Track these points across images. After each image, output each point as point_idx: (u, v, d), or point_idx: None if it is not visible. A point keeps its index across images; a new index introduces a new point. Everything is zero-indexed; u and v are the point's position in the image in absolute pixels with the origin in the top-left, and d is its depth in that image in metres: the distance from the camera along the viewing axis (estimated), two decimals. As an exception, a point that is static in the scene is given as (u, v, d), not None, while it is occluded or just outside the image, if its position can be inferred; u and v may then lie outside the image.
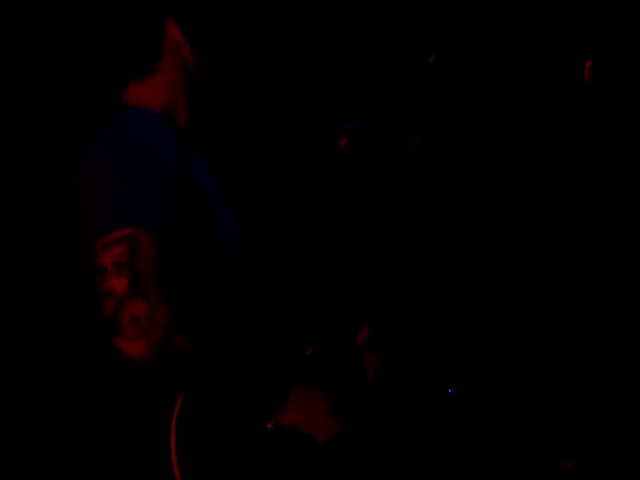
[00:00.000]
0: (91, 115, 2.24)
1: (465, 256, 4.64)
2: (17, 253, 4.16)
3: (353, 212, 4.50)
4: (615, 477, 3.92)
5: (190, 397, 1.77)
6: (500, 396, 4.62)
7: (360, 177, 4.57)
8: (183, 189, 1.90)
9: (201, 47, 2.01)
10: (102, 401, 1.95)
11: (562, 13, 4.97)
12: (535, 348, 4.67)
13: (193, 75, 2.03)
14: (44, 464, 3.46)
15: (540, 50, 5.03)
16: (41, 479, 3.54)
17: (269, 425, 1.82)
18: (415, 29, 4.99)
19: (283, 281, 4.22)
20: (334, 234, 4.46)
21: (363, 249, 4.41)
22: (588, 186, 4.77)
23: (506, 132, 4.85)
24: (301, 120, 4.85)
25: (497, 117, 4.90)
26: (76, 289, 1.92)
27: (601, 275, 4.26)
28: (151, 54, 1.96)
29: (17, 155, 4.20)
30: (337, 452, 1.94)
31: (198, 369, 1.77)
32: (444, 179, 4.66)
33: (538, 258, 4.81)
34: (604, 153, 4.77)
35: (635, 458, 3.93)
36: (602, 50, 4.93)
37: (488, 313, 4.75)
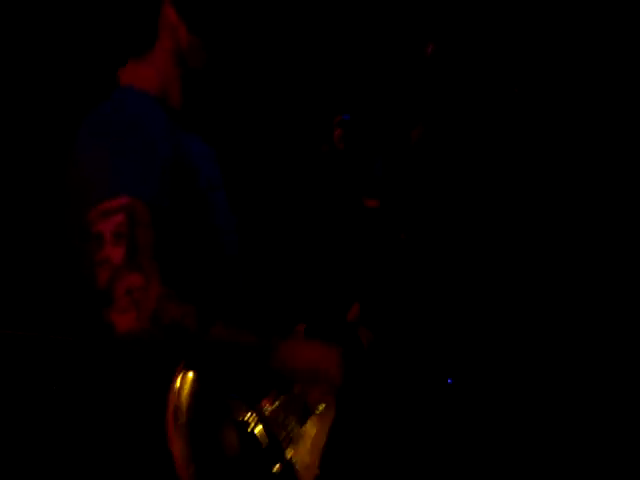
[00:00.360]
0: (89, 91, 2.24)
1: (457, 242, 4.67)
2: (13, 242, 4.09)
3: (346, 198, 4.52)
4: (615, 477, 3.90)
5: (188, 368, 1.75)
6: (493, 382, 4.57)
7: (353, 168, 4.57)
8: (176, 172, 1.91)
9: (198, 31, 2.03)
10: (101, 382, 1.93)
11: (560, 4, 4.95)
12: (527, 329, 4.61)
13: (188, 58, 2.06)
14: (45, 452, 3.42)
15: (538, 40, 5.00)
16: (42, 465, 3.50)
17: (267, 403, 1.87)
18: (413, 19, 4.92)
19: (278, 262, 4.25)
20: (325, 219, 4.49)
21: (352, 236, 4.44)
22: (588, 180, 4.82)
23: (505, 122, 4.85)
24: (297, 109, 4.83)
25: (496, 107, 4.88)
26: (70, 272, 1.90)
27: (591, 266, 4.23)
28: (147, 33, 2.00)
29: (15, 131, 4.16)
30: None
31: (193, 342, 1.76)
32: (444, 171, 4.66)
33: (531, 246, 4.79)
34: (604, 145, 4.80)
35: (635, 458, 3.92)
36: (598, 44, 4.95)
37: (477, 294, 4.73)
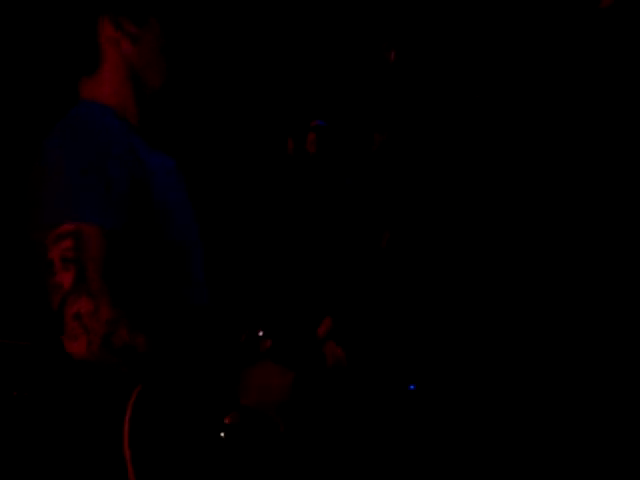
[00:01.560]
0: (51, 107, 2.25)
1: (429, 248, 4.66)
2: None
3: (315, 206, 4.58)
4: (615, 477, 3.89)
5: (143, 392, 1.76)
6: (462, 391, 4.56)
7: (324, 172, 4.64)
8: (134, 185, 1.91)
9: (146, 42, 2.05)
10: (58, 400, 1.92)
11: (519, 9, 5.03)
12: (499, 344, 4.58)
13: (140, 71, 2.07)
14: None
15: (498, 45, 5.10)
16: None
17: (226, 419, 1.82)
18: (376, 27, 5.03)
19: (247, 272, 4.29)
20: (298, 227, 4.55)
21: (326, 243, 4.48)
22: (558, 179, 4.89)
23: (466, 126, 4.96)
24: (265, 117, 4.92)
25: (458, 112, 4.98)
26: (35, 283, 1.88)
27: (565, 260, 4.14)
28: (88, 51, 2.01)
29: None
30: (296, 440, 1.97)
31: (147, 363, 1.77)
32: (407, 173, 4.72)
33: (496, 252, 4.82)
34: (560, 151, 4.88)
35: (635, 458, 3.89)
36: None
37: (452, 308, 4.75)
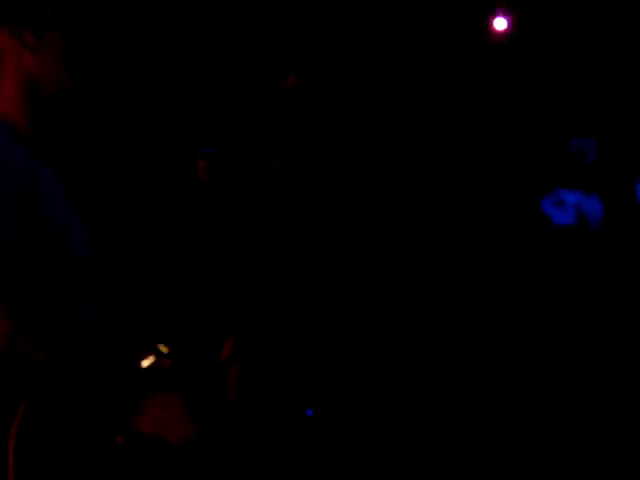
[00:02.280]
0: None
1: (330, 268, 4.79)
2: None
3: (213, 231, 4.60)
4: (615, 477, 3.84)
5: (32, 406, 1.76)
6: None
7: (218, 199, 4.68)
8: (27, 200, 1.93)
9: (44, 52, 2.05)
10: None
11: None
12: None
13: (42, 82, 2.08)
14: None
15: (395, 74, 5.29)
16: None
17: (119, 438, 1.84)
18: (271, 55, 5.14)
19: (147, 292, 4.26)
20: (198, 251, 4.54)
21: (228, 265, 4.51)
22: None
23: (361, 149, 5.15)
24: (158, 141, 4.91)
25: (352, 135, 5.16)
26: None
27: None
28: None
29: None
30: (191, 455, 1.99)
31: (41, 375, 1.79)
32: (308, 197, 4.86)
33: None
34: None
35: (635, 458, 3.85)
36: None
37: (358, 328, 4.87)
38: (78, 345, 1.99)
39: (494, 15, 4.90)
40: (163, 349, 2.18)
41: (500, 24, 4.91)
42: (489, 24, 4.91)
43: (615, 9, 4.97)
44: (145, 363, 2.16)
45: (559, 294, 4.82)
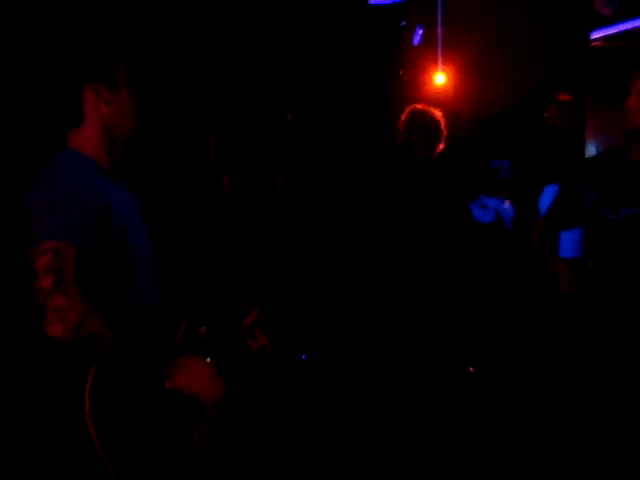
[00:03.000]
0: (45, 149, 2.47)
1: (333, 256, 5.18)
2: None
3: (236, 228, 5.56)
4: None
5: (102, 367, 2.04)
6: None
7: (238, 203, 5.71)
8: (100, 216, 2.22)
9: (115, 104, 2.37)
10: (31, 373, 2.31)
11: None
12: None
13: (115, 126, 2.39)
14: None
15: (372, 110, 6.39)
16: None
17: (166, 384, 2.08)
18: (276, 96, 6.22)
19: (191, 279, 4.82)
20: (229, 241, 5.40)
21: (254, 251, 5.30)
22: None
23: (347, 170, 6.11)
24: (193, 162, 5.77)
25: (341, 161, 6.16)
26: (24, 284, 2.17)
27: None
28: (74, 110, 2.34)
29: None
30: (220, 412, 2.16)
31: (107, 345, 2.04)
32: (303, 206, 5.73)
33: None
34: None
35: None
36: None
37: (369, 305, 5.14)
38: (139, 322, 2.27)
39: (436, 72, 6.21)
40: (200, 327, 2.41)
41: (440, 79, 6.20)
42: (433, 80, 6.18)
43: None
44: (184, 334, 2.37)
45: (479, 274, 5.40)
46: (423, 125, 4.46)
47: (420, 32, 5.93)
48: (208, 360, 2.16)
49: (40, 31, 4.30)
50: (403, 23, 6.06)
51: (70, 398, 2.03)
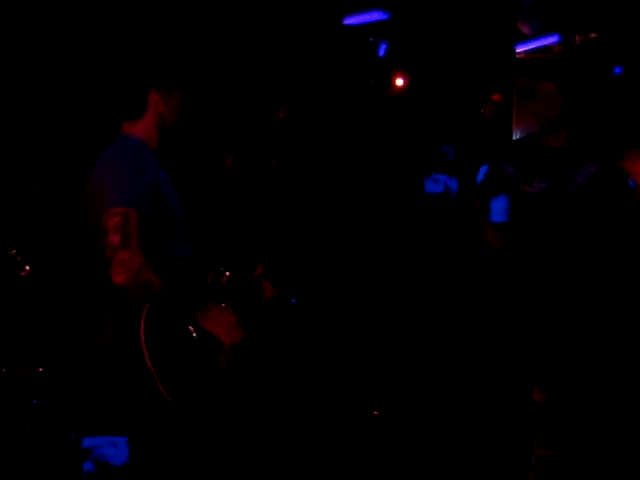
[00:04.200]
0: (105, 135, 2.67)
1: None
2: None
3: (241, 200, 6.13)
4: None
5: (152, 308, 2.23)
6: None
7: (241, 179, 6.31)
8: (155, 187, 2.43)
9: (171, 105, 2.65)
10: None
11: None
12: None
13: (166, 121, 2.66)
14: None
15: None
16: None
17: (191, 329, 2.29)
18: (271, 92, 7.02)
19: (211, 243, 4.67)
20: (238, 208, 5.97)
21: (257, 218, 5.85)
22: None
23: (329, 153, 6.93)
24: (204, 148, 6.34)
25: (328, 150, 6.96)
26: (88, 242, 2.38)
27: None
28: (140, 107, 2.60)
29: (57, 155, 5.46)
30: (238, 355, 2.32)
31: (158, 292, 2.25)
32: (294, 184, 6.44)
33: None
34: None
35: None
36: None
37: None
38: (179, 276, 2.45)
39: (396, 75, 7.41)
40: (223, 272, 2.55)
41: (399, 82, 7.39)
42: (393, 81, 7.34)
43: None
44: (212, 280, 2.50)
45: (429, 241, 6.34)
46: None
47: (384, 46, 7.23)
48: (226, 306, 2.36)
49: (120, 45, 5.03)
50: (371, 39, 7.25)
51: (130, 330, 2.23)
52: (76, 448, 3.16)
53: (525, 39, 7.18)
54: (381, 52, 7.15)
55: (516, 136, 7.23)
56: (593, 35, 7.16)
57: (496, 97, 7.52)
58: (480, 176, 4.99)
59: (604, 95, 6.21)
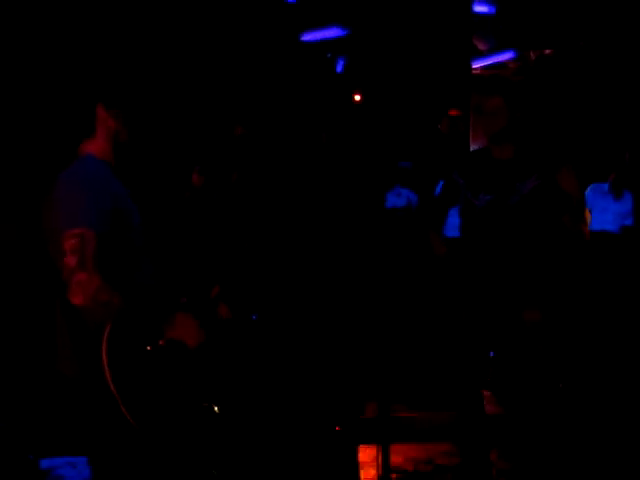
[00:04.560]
0: (61, 157, 2.65)
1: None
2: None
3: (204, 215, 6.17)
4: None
5: (114, 328, 2.25)
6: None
7: (206, 194, 6.39)
8: (113, 207, 2.42)
9: (119, 119, 2.62)
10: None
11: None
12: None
13: (117, 136, 2.63)
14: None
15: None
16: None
17: (160, 342, 2.31)
18: (231, 115, 7.16)
19: (173, 261, 4.67)
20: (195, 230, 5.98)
21: (215, 237, 5.84)
22: None
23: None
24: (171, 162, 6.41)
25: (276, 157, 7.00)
26: (50, 263, 2.38)
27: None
28: (89, 126, 2.58)
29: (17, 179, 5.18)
30: (201, 354, 2.36)
31: (118, 310, 2.27)
32: (256, 193, 6.48)
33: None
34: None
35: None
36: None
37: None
38: (139, 293, 2.46)
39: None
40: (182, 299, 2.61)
41: (357, 97, 7.57)
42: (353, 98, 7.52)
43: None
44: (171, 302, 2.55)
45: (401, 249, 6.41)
46: None
47: (342, 63, 7.35)
48: (193, 317, 2.41)
49: (62, 60, 4.87)
50: (329, 55, 7.38)
51: (90, 350, 2.24)
52: (34, 470, 3.18)
53: (481, 55, 7.31)
54: (339, 68, 7.13)
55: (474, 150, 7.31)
56: (548, 51, 7.36)
57: (453, 112, 7.64)
58: (437, 189, 5.30)
59: (550, 110, 6.34)
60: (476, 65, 7.30)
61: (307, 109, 7.35)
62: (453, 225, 6.40)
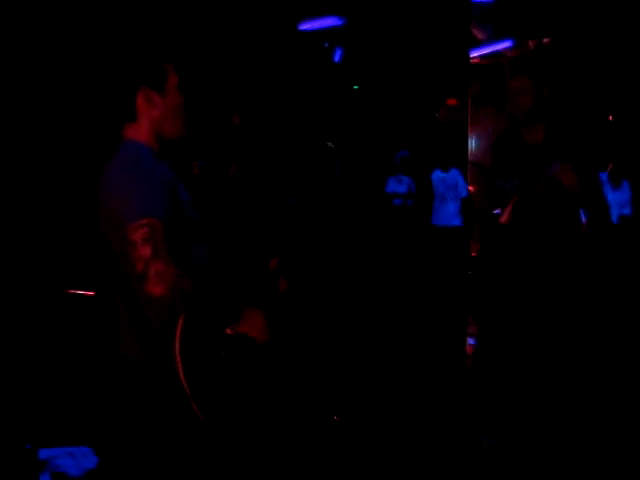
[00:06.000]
0: (107, 144, 2.60)
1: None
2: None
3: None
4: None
5: (188, 315, 2.23)
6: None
7: (207, 186, 6.53)
8: (171, 194, 2.41)
9: (162, 107, 2.53)
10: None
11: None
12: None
13: (160, 124, 2.54)
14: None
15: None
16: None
17: (228, 331, 2.29)
18: (228, 106, 7.14)
19: (232, 244, 4.85)
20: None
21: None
22: None
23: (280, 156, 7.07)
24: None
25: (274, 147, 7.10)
26: (104, 260, 2.36)
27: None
28: (129, 111, 2.51)
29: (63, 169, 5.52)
30: (270, 350, 2.38)
31: (193, 297, 2.25)
32: (253, 188, 6.69)
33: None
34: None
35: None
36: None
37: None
38: (201, 278, 2.44)
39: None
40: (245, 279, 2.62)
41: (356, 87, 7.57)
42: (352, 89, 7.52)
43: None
44: (238, 284, 2.56)
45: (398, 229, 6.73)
46: None
47: (339, 52, 7.33)
48: (260, 311, 2.39)
49: (101, 45, 4.97)
50: (326, 44, 7.36)
51: (158, 338, 2.25)
52: (32, 459, 3.16)
53: (479, 44, 7.26)
54: (336, 57, 7.09)
55: (471, 140, 7.37)
56: (546, 40, 7.32)
57: (451, 102, 7.62)
58: (435, 175, 5.52)
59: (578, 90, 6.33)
60: (474, 54, 7.30)
61: (305, 98, 7.40)
62: (446, 214, 7.02)
